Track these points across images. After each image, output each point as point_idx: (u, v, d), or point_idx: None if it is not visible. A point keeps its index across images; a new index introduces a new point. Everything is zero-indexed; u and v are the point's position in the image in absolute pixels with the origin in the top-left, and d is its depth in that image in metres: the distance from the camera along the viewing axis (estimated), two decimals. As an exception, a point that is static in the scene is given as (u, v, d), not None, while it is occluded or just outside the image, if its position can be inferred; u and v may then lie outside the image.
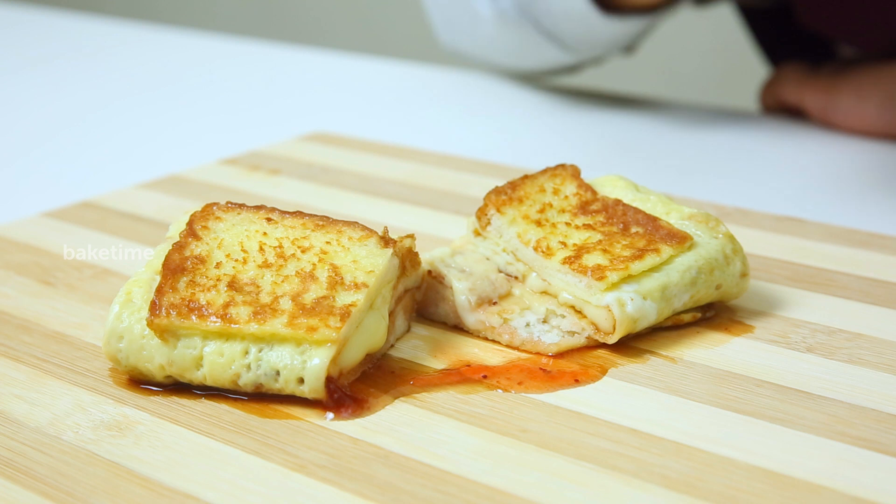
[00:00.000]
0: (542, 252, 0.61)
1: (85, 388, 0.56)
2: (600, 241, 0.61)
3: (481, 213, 0.64)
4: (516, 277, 0.63)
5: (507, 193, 0.65)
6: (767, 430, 0.51)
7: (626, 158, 1.00)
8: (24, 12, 1.72)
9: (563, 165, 0.68)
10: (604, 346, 0.59)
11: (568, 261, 0.60)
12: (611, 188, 0.67)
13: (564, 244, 0.61)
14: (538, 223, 0.63)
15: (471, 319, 0.61)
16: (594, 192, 0.65)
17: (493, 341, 0.60)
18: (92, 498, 0.47)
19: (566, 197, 0.65)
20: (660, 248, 0.60)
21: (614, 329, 0.58)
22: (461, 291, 0.61)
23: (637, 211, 0.63)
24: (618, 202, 0.64)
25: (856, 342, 0.60)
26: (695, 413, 0.53)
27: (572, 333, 0.59)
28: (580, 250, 0.60)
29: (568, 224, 0.63)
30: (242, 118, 1.17)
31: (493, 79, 1.29)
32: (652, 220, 0.62)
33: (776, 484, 0.47)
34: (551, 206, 0.64)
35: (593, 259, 0.59)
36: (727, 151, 1.01)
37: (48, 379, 0.57)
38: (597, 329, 0.59)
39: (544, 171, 0.67)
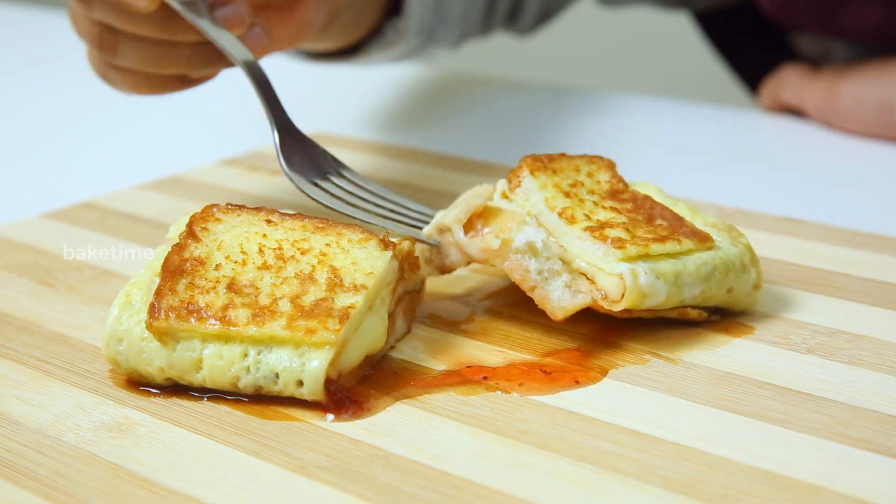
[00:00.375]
0: (566, 219, 0.61)
1: (85, 389, 0.56)
2: (624, 222, 0.62)
3: (514, 175, 0.65)
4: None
5: (543, 162, 0.65)
6: (768, 431, 0.51)
7: (626, 158, 0.99)
8: (24, 12, 1.72)
9: (600, 157, 0.68)
10: (604, 345, 0.59)
11: (590, 229, 0.60)
12: (641, 188, 0.67)
13: (588, 217, 0.62)
14: (567, 194, 0.63)
15: (473, 248, 0.61)
16: (626, 185, 0.66)
17: (493, 342, 0.60)
18: (92, 499, 0.47)
19: (598, 182, 0.66)
20: (681, 239, 0.60)
21: (622, 298, 0.58)
22: (444, 214, 0.62)
23: (664, 208, 0.64)
24: (647, 197, 0.65)
25: (856, 343, 0.60)
26: (695, 414, 0.53)
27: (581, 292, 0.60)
28: (603, 225, 0.61)
29: (595, 203, 0.63)
30: (242, 118, 1.17)
31: (493, 79, 1.28)
32: (677, 218, 0.63)
33: (777, 485, 0.47)
34: (583, 184, 0.65)
35: (615, 233, 0.60)
36: (727, 151, 1.01)
37: (48, 380, 0.57)
38: (605, 296, 0.59)
39: (582, 156, 0.67)
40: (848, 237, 0.75)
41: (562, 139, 1.06)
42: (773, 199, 0.86)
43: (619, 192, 0.65)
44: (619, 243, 0.59)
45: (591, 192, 0.65)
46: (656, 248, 0.59)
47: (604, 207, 0.63)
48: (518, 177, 0.64)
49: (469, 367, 0.58)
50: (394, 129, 1.09)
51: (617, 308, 0.58)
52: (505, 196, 0.65)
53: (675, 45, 2.36)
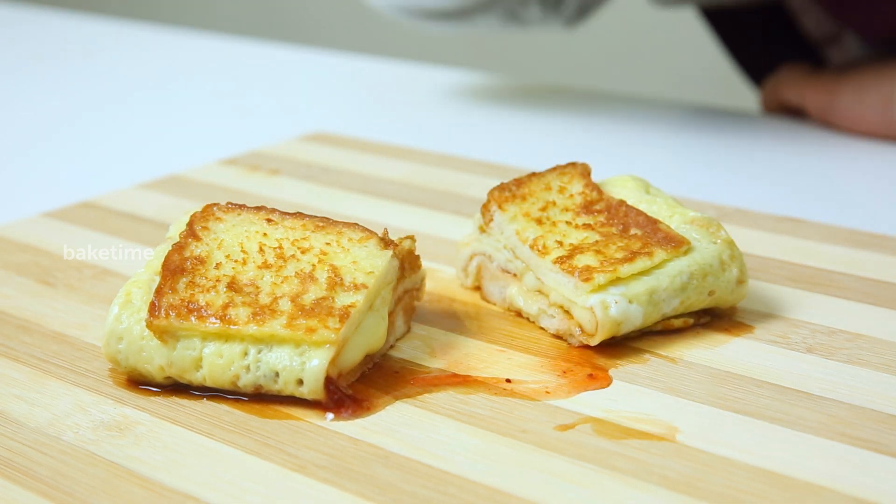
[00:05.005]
0: (538, 251, 0.61)
1: (85, 388, 0.56)
2: (597, 241, 0.61)
3: (485, 210, 0.65)
4: (515, 275, 0.63)
5: (511, 190, 0.65)
6: (767, 430, 0.51)
7: (625, 158, 1.00)
8: (24, 12, 1.72)
9: (573, 164, 0.68)
10: (604, 344, 0.59)
11: (559, 260, 0.60)
12: (620, 188, 0.67)
13: (561, 243, 0.61)
14: (539, 221, 0.63)
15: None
16: (600, 192, 0.65)
17: (493, 342, 0.60)
18: (92, 498, 0.47)
19: (571, 196, 0.65)
20: (653, 251, 0.60)
21: (597, 331, 0.58)
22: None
23: (639, 213, 0.63)
24: (621, 203, 0.64)
25: (856, 343, 0.60)
26: (695, 413, 0.53)
27: (562, 333, 0.60)
28: (574, 250, 0.60)
29: (568, 223, 0.63)
30: (242, 118, 1.17)
31: (492, 79, 1.29)
32: (652, 223, 0.62)
33: (776, 484, 0.47)
34: (555, 204, 0.64)
35: (585, 260, 0.59)
36: (727, 151, 1.01)
37: (48, 379, 0.57)
38: (582, 330, 0.59)
39: (553, 169, 0.67)
40: (848, 237, 0.75)
41: (560, 139, 1.06)
42: (773, 199, 0.86)
43: (592, 203, 0.64)
44: (586, 274, 0.58)
45: (565, 210, 0.64)
46: (626, 269, 0.58)
47: (577, 226, 0.62)
48: (489, 211, 0.64)
49: (473, 373, 0.58)
50: (394, 129, 1.09)
51: (593, 342, 0.58)
52: (482, 230, 0.65)
53: (676, 45, 2.36)
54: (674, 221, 0.63)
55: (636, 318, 0.58)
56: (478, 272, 0.66)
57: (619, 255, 0.59)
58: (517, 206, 0.64)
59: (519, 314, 0.63)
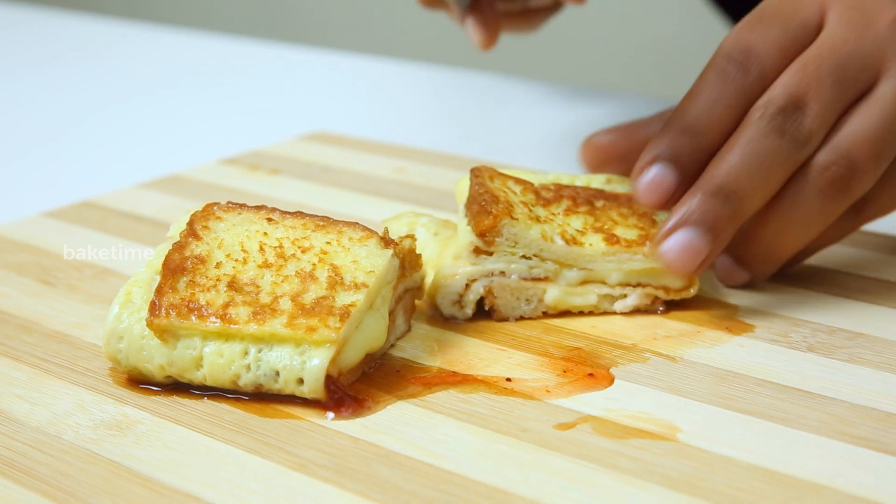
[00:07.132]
0: (577, 243, 0.62)
1: (85, 387, 0.56)
2: (597, 217, 0.63)
3: (489, 229, 0.61)
4: (546, 279, 0.62)
5: (498, 205, 0.62)
6: (768, 429, 0.51)
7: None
8: (24, 12, 1.72)
9: (478, 168, 0.65)
10: (604, 343, 0.59)
11: (609, 241, 0.61)
12: (517, 174, 0.67)
13: (582, 231, 0.62)
14: (538, 220, 0.62)
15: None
16: (528, 182, 0.66)
17: (493, 341, 0.60)
18: (92, 497, 0.47)
19: (524, 192, 0.65)
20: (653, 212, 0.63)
21: (692, 282, 0.62)
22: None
23: (575, 187, 0.65)
24: (557, 185, 0.65)
25: (856, 341, 0.60)
26: (695, 412, 0.53)
27: (640, 308, 0.63)
28: (599, 231, 0.62)
29: (555, 214, 0.63)
30: (242, 118, 1.17)
31: (492, 78, 1.29)
32: (598, 191, 0.65)
33: (777, 483, 0.47)
34: (525, 205, 0.64)
35: (622, 233, 0.62)
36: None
37: (48, 378, 0.57)
38: (667, 290, 0.61)
39: (477, 180, 0.64)
40: (848, 237, 0.74)
41: (559, 138, 1.06)
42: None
43: (538, 193, 0.65)
44: (644, 238, 0.61)
45: (534, 206, 0.63)
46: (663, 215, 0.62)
47: (565, 214, 0.63)
48: (496, 227, 0.61)
49: (479, 373, 0.58)
50: (394, 129, 1.09)
51: (694, 291, 0.62)
52: (479, 253, 0.62)
53: (675, 43, 2.36)
54: (594, 185, 0.66)
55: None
56: (487, 294, 0.62)
57: (637, 216, 0.62)
58: (520, 214, 0.62)
59: (566, 313, 0.63)
